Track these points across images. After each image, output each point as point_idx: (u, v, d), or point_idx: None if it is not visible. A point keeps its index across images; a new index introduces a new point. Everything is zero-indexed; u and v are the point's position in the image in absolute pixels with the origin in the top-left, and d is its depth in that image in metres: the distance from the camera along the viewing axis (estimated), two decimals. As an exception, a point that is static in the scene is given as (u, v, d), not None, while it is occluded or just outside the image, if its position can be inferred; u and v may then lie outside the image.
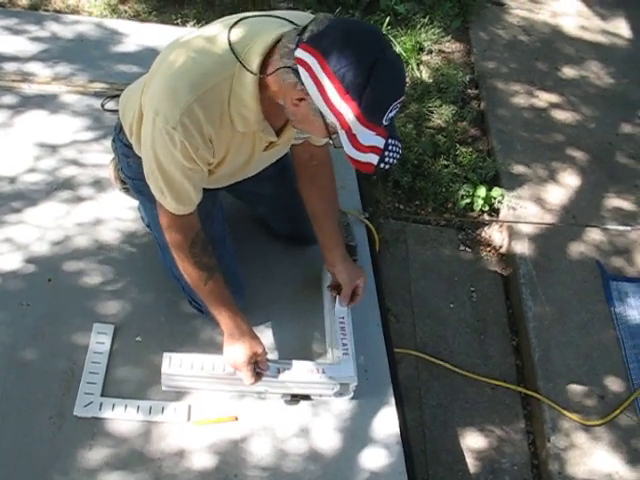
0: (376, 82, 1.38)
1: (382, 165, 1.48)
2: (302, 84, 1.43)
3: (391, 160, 1.48)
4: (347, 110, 1.40)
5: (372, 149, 1.46)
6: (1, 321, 1.94)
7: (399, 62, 1.46)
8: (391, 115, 1.44)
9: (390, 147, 1.47)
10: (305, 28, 1.45)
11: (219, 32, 1.58)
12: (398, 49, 3.42)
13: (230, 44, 1.53)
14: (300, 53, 1.41)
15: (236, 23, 1.58)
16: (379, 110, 1.42)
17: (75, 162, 2.37)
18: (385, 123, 1.44)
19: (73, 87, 2.61)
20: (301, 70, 1.42)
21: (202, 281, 1.76)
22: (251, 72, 1.50)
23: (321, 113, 1.46)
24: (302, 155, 1.94)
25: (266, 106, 1.56)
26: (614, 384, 2.40)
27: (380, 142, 1.45)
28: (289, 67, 1.45)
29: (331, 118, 1.44)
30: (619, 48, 3.85)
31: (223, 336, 1.82)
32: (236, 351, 1.78)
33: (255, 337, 1.81)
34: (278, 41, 1.50)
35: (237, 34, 1.56)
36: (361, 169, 1.50)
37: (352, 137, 1.44)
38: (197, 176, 1.65)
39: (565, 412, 2.30)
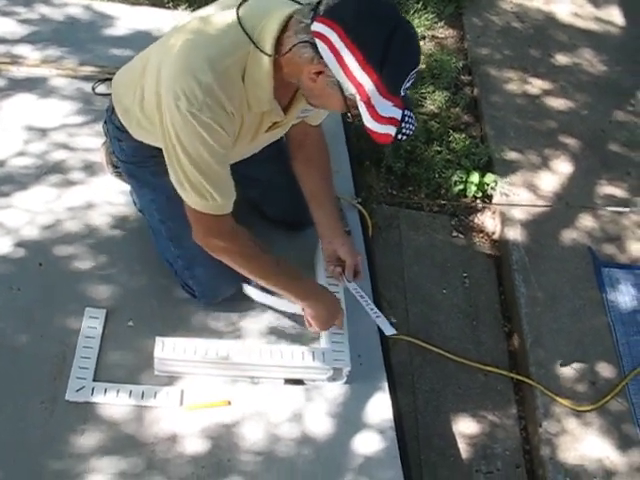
0: (395, 52, 1.40)
1: (399, 136, 1.50)
2: (320, 57, 1.44)
3: (408, 132, 1.50)
4: (367, 81, 1.41)
5: (390, 120, 1.47)
6: (-9, 305, 1.92)
7: (415, 32, 1.48)
8: (408, 85, 1.46)
9: (407, 118, 1.48)
10: (320, 2, 1.45)
11: (225, 14, 1.56)
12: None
13: (241, 25, 1.52)
14: (317, 26, 1.41)
15: (241, 4, 1.56)
16: (398, 80, 1.44)
17: (65, 146, 2.34)
18: (403, 93, 1.46)
19: (63, 70, 2.58)
20: (319, 43, 1.42)
21: (273, 264, 1.79)
22: (266, 54, 1.50)
23: (339, 86, 1.46)
24: (297, 135, 1.93)
25: (277, 86, 1.56)
26: (605, 370, 2.41)
27: (398, 113, 1.47)
28: (306, 42, 1.45)
29: (351, 90, 1.45)
30: (612, 36, 3.85)
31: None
32: (330, 304, 1.87)
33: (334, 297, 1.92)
34: (289, 19, 1.50)
35: (246, 14, 1.54)
36: (379, 140, 1.52)
37: (371, 108, 1.46)
38: (227, 161, 1.64)
39: (557, 398, 2.31)
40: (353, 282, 1.99)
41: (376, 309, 1.97)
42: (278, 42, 1.50)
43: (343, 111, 1.55)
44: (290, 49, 1.48)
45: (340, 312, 1.90)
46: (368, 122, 1.48)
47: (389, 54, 1.39)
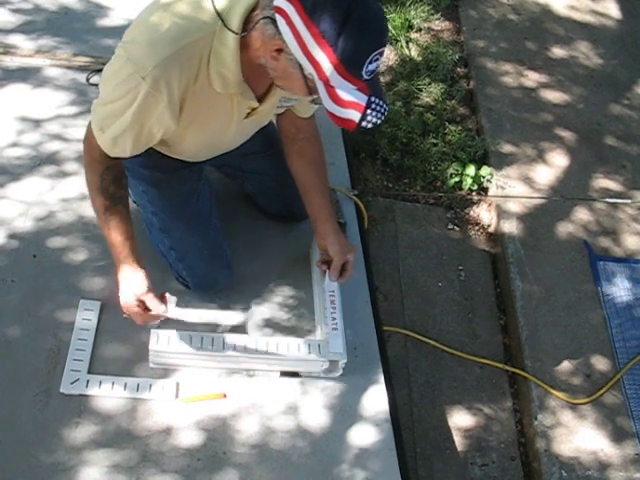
0: (353, 28, 1.34)
1: (364, 123, 1.45)
2: (280, 33, 1.39)
3: (374, 119, 1.45)
4: (323, 57, 1.36)
5: (353, 105, 1.42)
6: (-15, 297, 1.91)
7: (379, 11, 1.41)
8: (371, 67, 1.40)
9: (373, 106, 1.43)
10: None
11: None
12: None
13: (212, 1, 1.49)
14: (278, 1, 1.37)
15: None
16: (357, 59, 1.38)
17: (59, 137, 2.33)
18: (366, 77, 1.40)
19: (57, 60, 2.56)
20: (279, 18, 1.37)
21: (102, 209, 1.68)
22: (232, 31, 1.46)
23: (300, 65, 1.41)
24: (289, 129, 1.91)
25: (247, 68, 1.52)
26: (600, 363, 2.41)
27: (362, 99, 1.42)
28: (268, 17, 1.41)
29: (308, 68, 1.40)
30: (608, 29, 3.84)
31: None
32: (121, 292, 1.70)
33: (137, 275, 1.69)
34: None
35: None
36: (342, 126, 1.47)
37: (330, 89, 1.41)
38: (143, 135, 1.58)
39: (552, 390, 2.31)
40: (336, 283, 1.97)
41: (338, 323, 1.91)
42: (247, 20, 1.46)
43: (306, 94, 1.50)
44: (254, 26, 1.44)
45: (130, 307, 1.70)
46: (328, 104, 1.43)
47: (346, 30, 1.33)
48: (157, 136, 1.61)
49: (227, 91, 1.57)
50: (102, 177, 1.67)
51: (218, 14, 1.47)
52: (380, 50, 1.39)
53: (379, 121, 1.46)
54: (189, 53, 1.48)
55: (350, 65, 1.37)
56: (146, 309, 1.71)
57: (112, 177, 1.68)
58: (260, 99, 1.63)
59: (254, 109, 1.67)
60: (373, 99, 1.43)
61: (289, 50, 1.40)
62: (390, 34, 3.39)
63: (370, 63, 1.39)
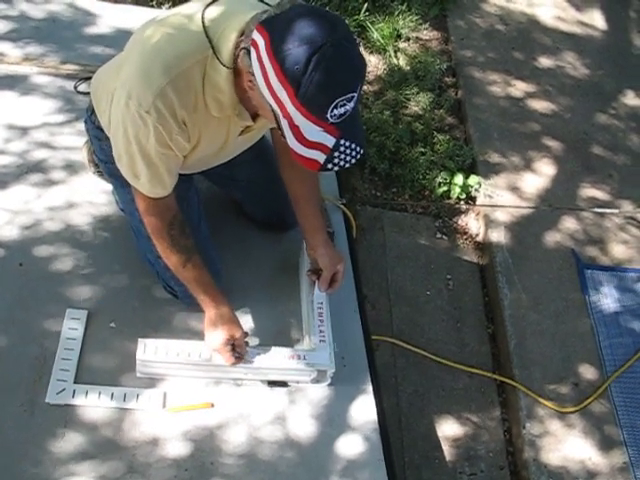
0: (317, 71, 1.29)
1: (329, 166, 1.41)
2: (252, 66, 1.38)
3: (342, 163, 1.41)
4: (285, 97, 1.34)
5: (318, 146, 1.39)
6: (-30, 306, 1.89)
7: (352, 56, 1.35)
8: (339, 112, 1.35)
9: (342, 149, 1.39)
10: (266, 10, 1.41)
11: (195, 11, 1.54)
12: (375, 35, 3.40)
13: (204, 25, 1.49)
14: (254, 34, 1.37)
15: (214, 1, 1.54)
16: (320, 103, 1.33)
17: (46, 145, 2.31)
18: (332, 120, 1.35)
19: (44, 68, 2.54)
20: (252, 51, 1.37)
21: (181, 264, 1.74)
22: (222, 64, 1.46)
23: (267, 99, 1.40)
24: (281, 139, 1.91)
25: (241, 90, 1.52)
26: (588, 372, 2.42)
27: (329, 140, 1.38)
28: (245, 48, 1.41)
29: (273, 105, 1.39)
30: (594, 39, 3.87)
31: (201, 321, 1.80)
32: (215, 333, 1.76)
33: (234, 319, 1.80)
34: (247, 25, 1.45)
35: (212, 14, 1.52)
36: (305, 166, 1.43)
37: (295, 128, 1.38)
38: (171, 161, 1.62)
39: (540, 399, 2.32)
40: (325, 294, 1.97)
41: (326, 335, 1.90)
42: (236, 45, 1.45)
43: (277, 127, 1.45)
44: (237, 55, 1.44)
45: (223, 349, 1.76)
46: (291, 142, 1.40)
47: (309, 71, 1.29)
48: (181, 157, 1.64)
49: (223, 114, 1.58)
50: (170, 235, 1.71)
51: (209, 39, 1.47)
52: (348, 96, 1.34)
53: (348, 165, 1.43)
54: (184, 81, 1.49)
55: (313, 109, 1.34)
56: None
57: (179, 230, 1.72)
58: (254, 117, 1.63)
59: (248, 126, 1.67)
60: (342, 142, 1.39)
61: (257, 84, 1.40)
62: (378, 43, 3.41)
63: (337, 107, 1.34)
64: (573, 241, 2.82)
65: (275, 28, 1.34)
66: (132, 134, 1.55)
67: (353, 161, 1.43)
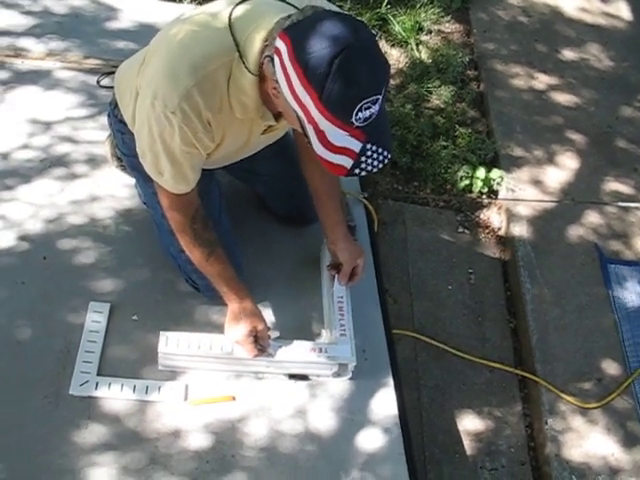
0: (339, 73, 1.29)
1: (357, 171, 1.41)
2: (275, 73, 1.39)
3: (369, 167, 1.40)
4: (309, 102, 1.33)
5: (345, 151, 1.38)
6: (-5, 299, 1.91)
7: (375, 58, 1.35)
8: (364, 115, 1.34)
9: (369, 153, 1.38)
10: (289, 17, 1.40)
11: (222, 10, 1.54)
12: (397, 28, 3.39)
13: (231, 27, 1.49)
14: (277, 41, 1.37)
15: (239, 4, 1.54)
16: (345, 106, 1.32)
17: (69, 139, 2.33)
18: (358, 124, 1.35)
19: (67, 63, 2.57)
20: (275, 58, 1.37)
21: (204, 257, 1.75)
22: (248, 70, 1.47)
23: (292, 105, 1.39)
24: (303, 135, 1.91)
25: (265, 92, 1.52)
26: (611, 367, 2.40)
27: (355, 145, 1.37)
28: (269, 56, 1.41)
29: (298, 111, 1.38)
30: (619, 31, 3.82)
31: (222, 314, 1.81)
32: (237, 326, 1.78)
33: (257, 312, 1.81)
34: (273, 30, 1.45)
35: (239, 15, 1.51)
36: (332, 171, 1.42)
37: (320, 134, 1.38)
38: (195, 159, 1.63)
39: (562, 395, 2.30)
40: (345, 287, 1.97)
41: (347, 329, 1.89)
42: (262, 51, 1.45)
43: (304, 134, 1.44)
44: (262, 62, 1.44)
45: (246, 341, 1.77)
46: (317, 148, 1.40)
47: (332, 74, 1.28)
48: (205, 155, 1.65)
49: (247, 116, 1.59)
50: (193, 229, 1.73)
51: (237, 44, 1.47)
52: (372, 98, 1.33)
53: (376, 169, 1.42)
54: (210, 82, 1.49)
55: (337, 112, 1.33)
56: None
57: (201, 224, 1.74)
58: (277, 117, 1.62)
59: (271, 126, 1.68)
60: (369, 146, 1.38)
61: (282, 91, 1.39)
62: (400, 36, 3.39)
63: (361, 111, 1.33)
64: (596, 235, 2.79)
65: (297, 34, 1.34)
66: (157, 133, 1.55)
67: (380, 166, 1.42)
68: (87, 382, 1.79)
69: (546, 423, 2.25)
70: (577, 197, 2.90)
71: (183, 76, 1.48)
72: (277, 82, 1.39)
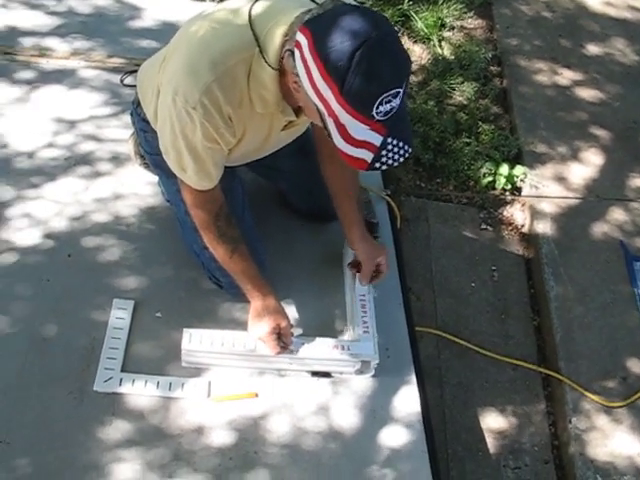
0: (360, 66, 1.28)
1: (377, 165, 1.40)
2: (296, 67, 1.39)
3: (390, 161, 1.40)
4: (330, 95, 1.33)
5: (365, 145, 1.38)
6: (21, 296, 1.93)
7: (396, 51, 1.34)
8: (385, 108, 1.33)
9: (390, 147, 1.38)
10: (309, 11, 1.41)
11: (242, 6, 1.54)
12: (419, 25, 3.37)
13: (251, 22, 1.50)
14: (298, 35, 1.37)
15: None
16: (365, 98, 1.32)
17: (93, 137, 2.35)
18: (378, 117, 1.34)
19: (91, 62, 2.59)
20: (296, 52, 1.37)
21: (228, 255, 1.76)
22: (268, 64, 1.47)
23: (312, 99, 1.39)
24: (322, 132, 1.91)
25: (285, 87, 1.52)
26: (636, 366, 2.37)
27: (376, 139, 1.37)
28: (289, 50, 1.41)
29: (318, 105, 1.38)
30: (645, 25, 3.77)
31: (245, 311, 1.82)
32: (260, 322, 1.78)
33: (280, 309, 1.82)
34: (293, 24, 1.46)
35: (260, 11, 1.52)
36: (352, 165, 1.43)
37: (341, 127, 1.38)
38: (217, 155, 1.63)
39: (586, 393, 2.28)
40: (367, 287, 1.97)
41: (370, 327, 1.89)
42: (283, 45, 1.45)
43: (324, 128, 1.45)
44: (283, 56, 1.45)
45: (268, 338, 1.78)
46: (338, 142, 1.40)
47: (353, 67, 1.28)
48: (227, 150, 1.65)
49: (267, 111, 1.59)
50: (217, 226, 1.74)
51: (257, 39, 1.48)
52: (393, 92, 1.33)
53: (397, 164, 1.41)
54: (229, 77, 1.50)
55: (358, 106, 1.33)
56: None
57: (225, 221, 1.75)
58: (297, 112, 1.62)
59: (291, 122, 1.68)
60: (390, 140, 1.38)
61: (302, 84, 1.40)
62: (422, 33, 3.38)
63: (382, 104, 1.33)
64: (621, 232, 2.75)
65: (318, 27, 1.34)
66: (179, 129, 1.56)
67: (401, 160, 1.42)
68: (111, 378, 1.81)
69: (570, 422, 2.23)
70: (602, 194, 2.88)
71: (203, 72, 1.48)
72: (297, 76, 1.40)
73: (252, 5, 1.53)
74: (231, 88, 1.51)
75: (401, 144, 1.40)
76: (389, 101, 1.34)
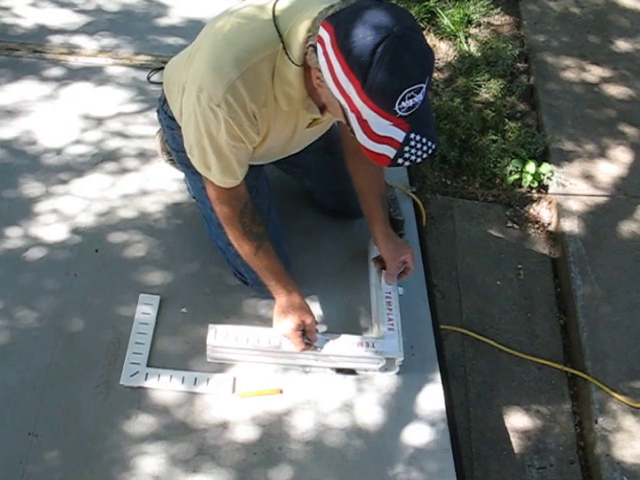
0: (383, 61, 1.28)
1: (400, 161, 1.40)
2: (319, 63, 1.39)
3: (413, 157, 1.39)
4: (352, 91, 1.33)
5: (388, 140, 1.38)
6: (49, 291, 1.96)
7: (419, 46, 1.33)
8: (407, 104, 1.33)
9: (413, 143, 1.38)
10: (332, 6, 1.40)
11: (267, 3, 1.55)
12: (446, 21, 3.35)
13: (275, 18, 1.50)
14: (320, 30, 1.37)
15: None
16: (388, 94, 1.31)
17: (120, 134, 2.37)
18: (402, 113, 1.34)
19: (119, 59, 2.61)
20: (319, 47, 1.37)
21: (253, 251, 1.77)
22: (292, 61, 1.47)
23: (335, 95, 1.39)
24: (347, 130, 1.91)
25: (309, 84, 1.52)
26: (664, 366, 2.35)
27: (399, 134, 1.37)
28: (312, 45, 1.41)
29: (341, 100, 1.38)
30: (676, 20, 3.71)
31: (270, 308, 1.82)
32: (285, 319, 1.78)
33: (305, 306, 1.82)
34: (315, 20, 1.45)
35: (283, 7, 1.52)
36: (375, 161, 1.42)
37: (363, 123, 1.38)
38: (242, 152, 1.64)
39: (613, 393, 2.25)
40: (392, 285, 1.96)
41: (395, 324, 1.88)
42: (306, 40, 1.45)
43: (346, 123, 1.45)
44: (306, 52, 1.45)
45: (293, 335, 1.77)
46: (360, 137, 1.40)
47: (374, 62, 1.27)
48: (251, 148, 1.65)
49: (292, 108, 1.59)
50: (242, 222, 1.74)
51: (280, 36, 1.48)
52: (415, 87, 1.32)
53: (420, 159, 1.40)
54: (254, 75, 1.50)
55: (380, 101, 1.32)
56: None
57: (250, 218, 1.75)
58: (322, 109, 1.62)
59: (316, 119, 1.68)
60: (413, 136, 1.37)
61: (325, 80, 1.39)
62: (449, 29, 3.36)
63: (405, 100, 1.32)
64: (650, 231, 2.73)
65: (340, 22, 1.33)
66: (203, 127, 1.57)
67: (425, 156, 1.41)
68: (137, 373, 1.82)
69: (596, 422, 2.21)
70: (630, 192, 2.84)
71: (227, 69, 1.49)
72: (320, 71, 1.40)
73: (276, 1, 1.53)
74: (255, 85, 1.51)
75: (424, 140, 1.39)
76: (412, 97, 1.33)
